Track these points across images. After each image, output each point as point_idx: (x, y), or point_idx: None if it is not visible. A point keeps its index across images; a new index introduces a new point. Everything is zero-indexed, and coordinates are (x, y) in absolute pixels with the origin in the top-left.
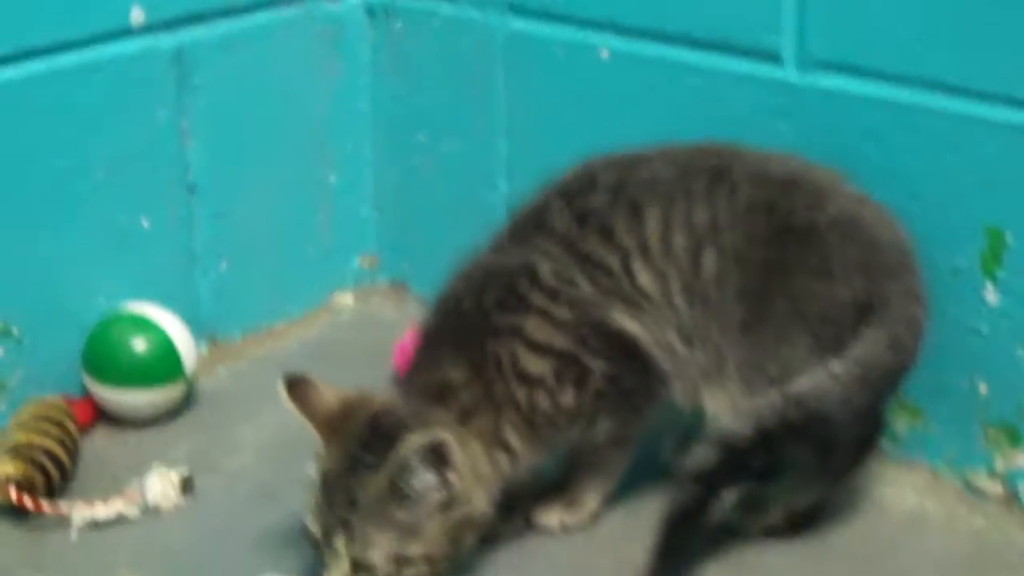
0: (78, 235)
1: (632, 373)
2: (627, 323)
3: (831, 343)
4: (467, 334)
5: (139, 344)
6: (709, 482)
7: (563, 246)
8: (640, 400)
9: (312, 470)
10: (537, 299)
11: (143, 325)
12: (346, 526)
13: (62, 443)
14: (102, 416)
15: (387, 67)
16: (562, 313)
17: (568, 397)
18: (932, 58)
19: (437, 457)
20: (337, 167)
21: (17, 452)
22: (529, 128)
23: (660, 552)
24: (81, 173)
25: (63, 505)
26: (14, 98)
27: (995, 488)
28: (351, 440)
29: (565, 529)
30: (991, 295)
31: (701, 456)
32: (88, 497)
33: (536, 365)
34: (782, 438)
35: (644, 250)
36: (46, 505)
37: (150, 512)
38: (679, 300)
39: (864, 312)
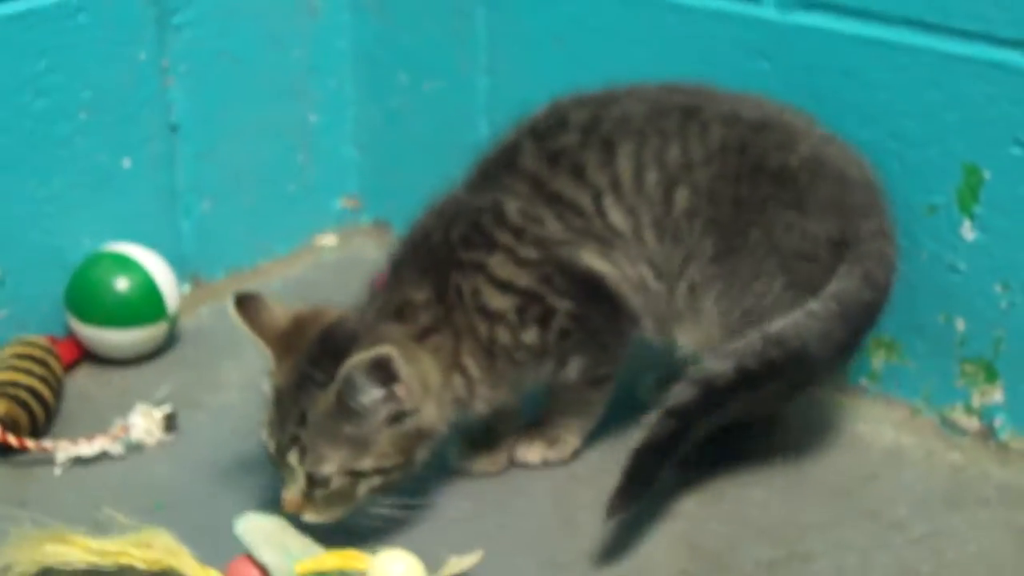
0: (60, 176)
1: (599, 313)
2: (596, 262)
3: (805, 279)
4: (432, 264)
5: (122, 283)
6: (685, 417)
7: (532, 185)
8: (609, 338)
9: (266, 386)
10: (502, 237)
11: (126, 264)
12: (298, 442)
13: (45, 382)
14: (85, 355)
15: (368, 6)
16: (527, 252)
17: (531, 335)
18: None
19: (383, 371)
20: (318, 107)
21: (1, 391)
22: (510, 67)
23: (628, 477)
24: (62, 114)
25: (47, 443)
26: None
27: (972, 423)
28: (302, 356)
29: (547, 465)
30: (968, 232)
31: (679, 393)
32: (72, 435)
33: (498, 301)
34: (762, 377)
35: (616, 187)
36: (30, 443)
37: (134, 449)
38: (650, 235)
39: (837, 250)
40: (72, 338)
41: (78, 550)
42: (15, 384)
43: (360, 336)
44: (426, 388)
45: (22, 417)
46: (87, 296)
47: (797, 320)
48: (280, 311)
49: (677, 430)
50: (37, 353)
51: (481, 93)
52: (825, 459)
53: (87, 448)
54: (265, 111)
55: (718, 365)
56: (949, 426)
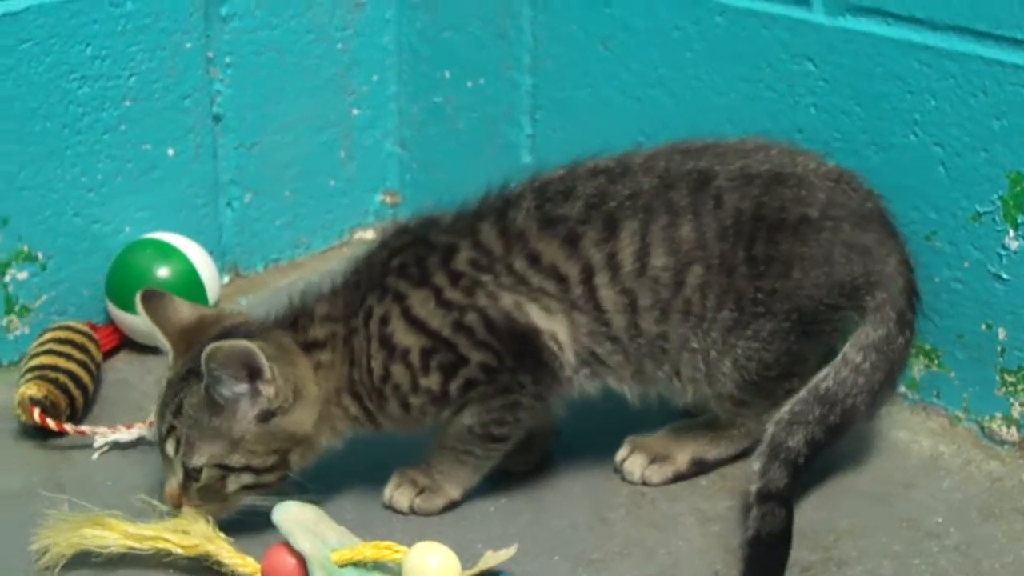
0: (103, 163)
1: (523, 368)
2: (540, 319)
3: (827, 327)
4: (358, 282)
5: (163, 272)
6: (787, 500)
7: (510, 241)
8: (523, 397)
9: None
10: (438, 278)
11: (168, 253)
12: (174, 432)
13: (85, 367)
14: (124, 342)
15: (413, 2)
16: (454, 296)
17: (432, 381)
18: (960, 2)
19: (247, 367)
20: (361, 102)
21: (41, 374)
22: (553, 67)
23: (756, 565)
24: (107, 101)
25: (85, 428)
26: (42, 26)
27: (1011, 433)
28: (194, 352)
29: (415, 514)
30: (1012, 241)
31: (775, 479)
32: (109, 421)
33: (404, 337)
34: (827, 443)
35: (613, 267)
36: (68, 427)
37: None
38: (648, 317)
39: (860, 292)
40: (112, 325)
41: (116, 534)
42: (55, 368)
43: (252, 337)
44: (299, 394)
45: (61, 401)
46: (128, 283)
47: (843, 376)
48: (187, 310)
49: (788, 513)
50: (77, 338)
51: (524, 92)
52: (863, 466)
53: (125, 434)
54: (308, 105)
55: (791, 440)
56: (988, 436)
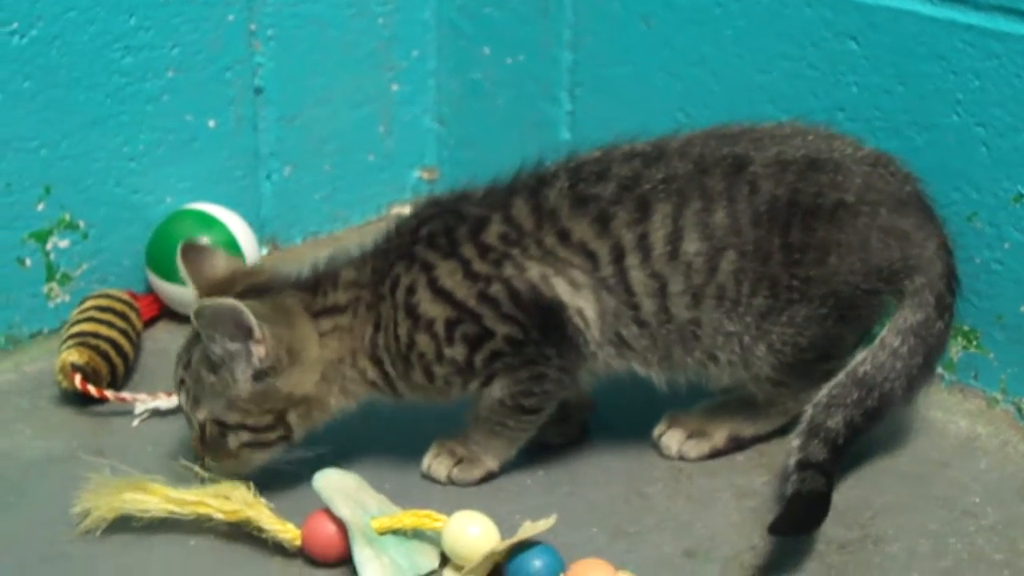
0: (146, 133)
1: (548, 343)
2: (567, 294)
3: (864, 312)
4: (387, 250)
5: (204, 242)
6: (829, 473)
7: (541, 218)
8: (549, 369)
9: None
10: (467, 249)
11: (208, 223)
12: (184, 386)
13: (126, 335)
14: (165, 312)
15: None
16: (481, 267)
17: (457, 351)
18: None
19: (239, 326)
20: (400, 77)
21: (83, 341)
22: (593, 44)
23: (791, 514)
24: (150, 72)
25: (125, 394)
26: None
27: None
28: None
29: (453, 483)
30: None
31: (815, 452)
32: (149, 390)
33: (430, 308)
34: (866, 427)
35: (644, 250)
36: (109, 393)
37: None
38: (679, 302)
39: (899, 276)
40: (152, 294)
41: (157, 499)
42: (96, 335)
43: (264, 295)
44: (294, 356)
45: (102, 368)
46: (168, 253)
47: (881, 360)
48: (223, 264)
49: (828, 481)
50: (118, 307)
51: (564, 69)
52: (900, 446)
53: (165, 402)
54: (348, 79)
55: (830, 422)
56: None
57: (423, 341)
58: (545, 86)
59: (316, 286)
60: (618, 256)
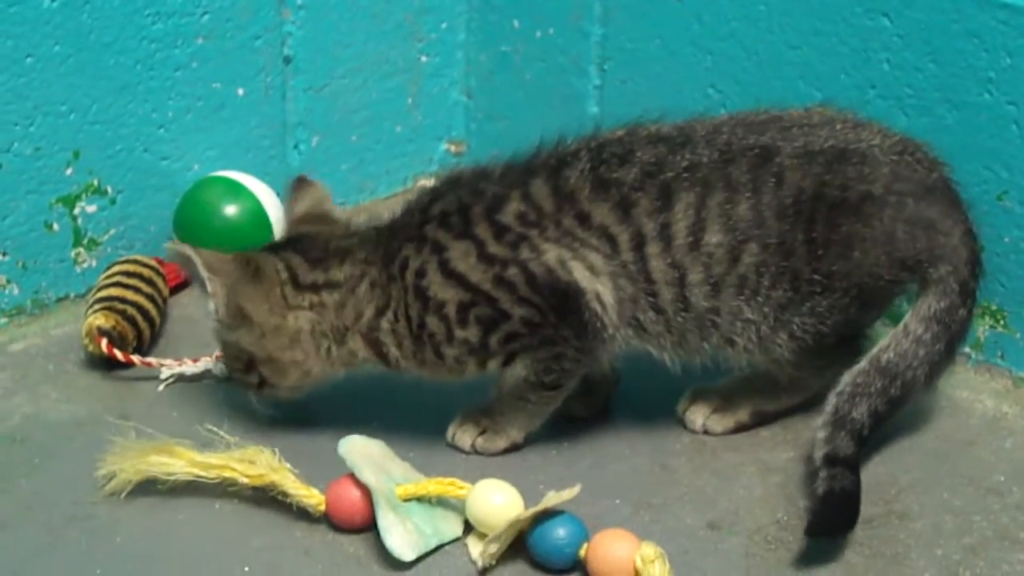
0: (174, 100)
1: (566, 325)
2: (585, 278)
3: (885, 299)
4: (398, 227)
5: (231, 209)
6: (855, 465)
7: (561, 200)
8: (567, 350)
9: None
10: (481, 229)
11: (236, 191)
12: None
13: (152, 300)
14: (190, 279)
15: None
16: (497, 250)
17: (470, 333)
18: None
19: (198, 275)
20: (429, 49)
21: (109, 305)
22: (624, 17)
23: (822, 515)
24: (180, 38)
25: (151, 359)
26: None
27: None
28: None
29: (477, 452)
30: None
31: (842, 446)
32: (175, 356)
33: (441, 291)
34: (889, 415)
35: (665, 239)
36: (135, 358)
37: None
38: (698, 292)
39: (923, 265)
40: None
41: (182, 462)
42: (123, 300)
43: (279, 251)
44: (245, 318)
45: (128, 332)
46: (196, 220)
47: (904, 348)
48: (309, 205)
49: (856, 479)
50: (145, 272)
51: (593, 42)
52: (925, 424)
53: (191, 367)
54: (377, 50)
55: (855, 412)
56: None
57: (433, 323)
58: (574, 60)
59: (321, 258)
60: (638, 244)
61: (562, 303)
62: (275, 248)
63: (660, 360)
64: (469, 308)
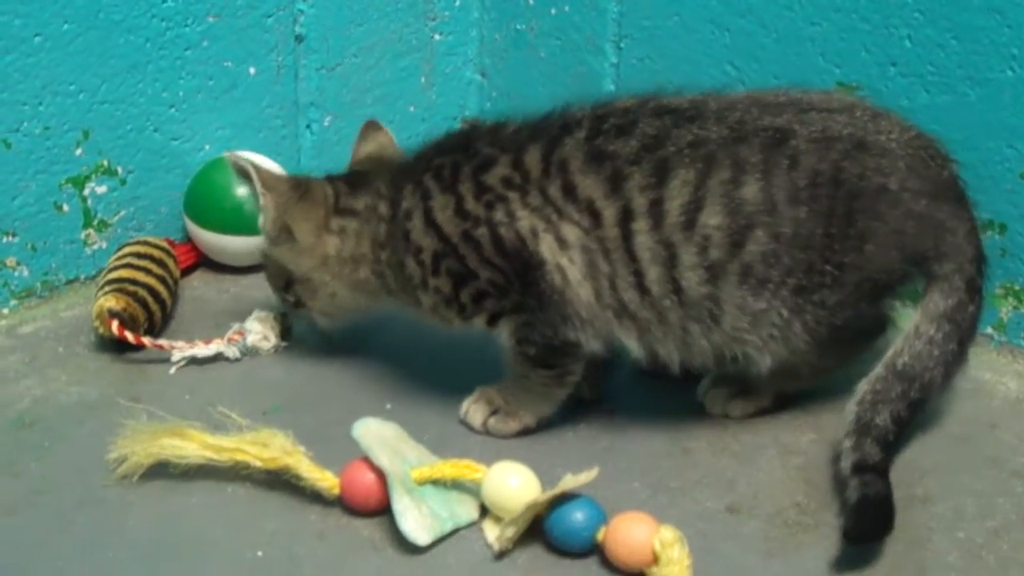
0: (185, 79)
1: (531, 296)
2: (548, 251)
3: (892, 290)
4: (408, 169)
5: (243, 190)
6: (884, 471)
7: (548, 167)
8: (533, 319)
9: None
10: (465, 186)
11: None
12: None
13: (164, 282)
14: (202, 260)
15: None
16: (472, 207)
17: (441, 283)
18: None
19: (254, 189)
20: (443, 27)
21: (120, 287)
22: None
23: (860, 521)
24: (191, 17)
25: (163, 342)
26: None
27: None
28: None
29: (487, 433)
30: None
31: (870, 453)
32: (186, 338)
33: (420, 236)
34: (911, 418)
35: (656, 216)
36: (146, 340)
37: (249, 353)
38: (691, 276)
39: (929, 261)
40: (189, 243)
41: (195, 445)
42: (134, 282)
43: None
44: (290, 235)
45: (139, 314)
46: (207, 202)
47: (918, 350)
48: (373, 146)
49: (887, 484)
50: (156, 253)
51: (610, 20)
52: (947, 406)
53: (203, 349)
54: (390, 28)
55: (878, 419)
56: None
57: (411, 266)
58: (590, 37)
59: (353, 185)
60: (625, 218)
61: (524, 271)
62: (331, 177)
63: (666, 359)
64: (441, 259)
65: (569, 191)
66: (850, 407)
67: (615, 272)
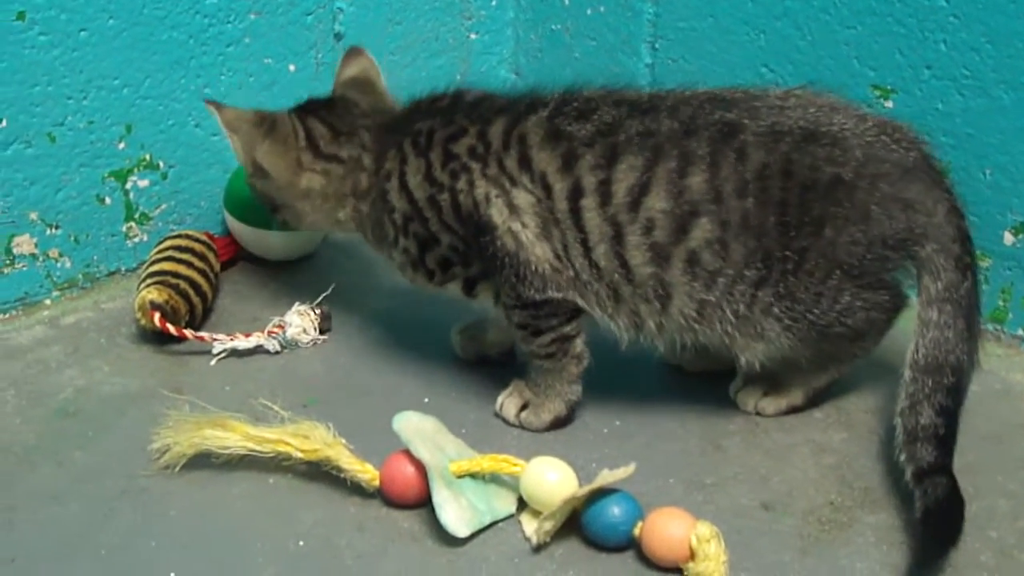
0: (227, 76)
1: (491, 263)
2: (498, 214)
3: (875, 278)
4: (394, 128)
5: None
6: (943, 467)
7: (507, 139)
8: (498, 283)
9: None
10: (434, 154)
11: None
12: None
13: (205, 275)
14: (241, 254)
15: None
16: (439, 174)
17: (409, 245)
18: None
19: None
20: (479, 26)
21: (162, 280)
22: None
23: (936, 540)
24: (233, 14)
25: (204, 334)
26: None
27: None
28: None
29: (521, 426)
30: None
31: (927, 454)
32: (227, 330)
33: (394, 197)
34: (957, 404)
35: (603, 195)
36: (188, 332)
37: (288, 346)
38: (638, 255)
39: (907, 243)
40: (229, 236)
41: (237, 436)
42: (176, 274)
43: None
44: (260, 169)
45: (181, 307)
46: (247, 197)
47: (932, 337)
48: (354, 72)
49: (949, 478)
50: (197, 247)
51: (645, 21)
52: (978, 406)
53: (243, 342)
54: (427, 27)
55: (922, 419)
56: None
57: (386, 224)
58: (625, 38)
59: (342, 132)
60: (575, 195)
61: (477, 234)
62: (306, 110)
63: (613, 330)
64: (409, 221)
65: (525, 163)
66: (895, 421)
67: (566, 240)
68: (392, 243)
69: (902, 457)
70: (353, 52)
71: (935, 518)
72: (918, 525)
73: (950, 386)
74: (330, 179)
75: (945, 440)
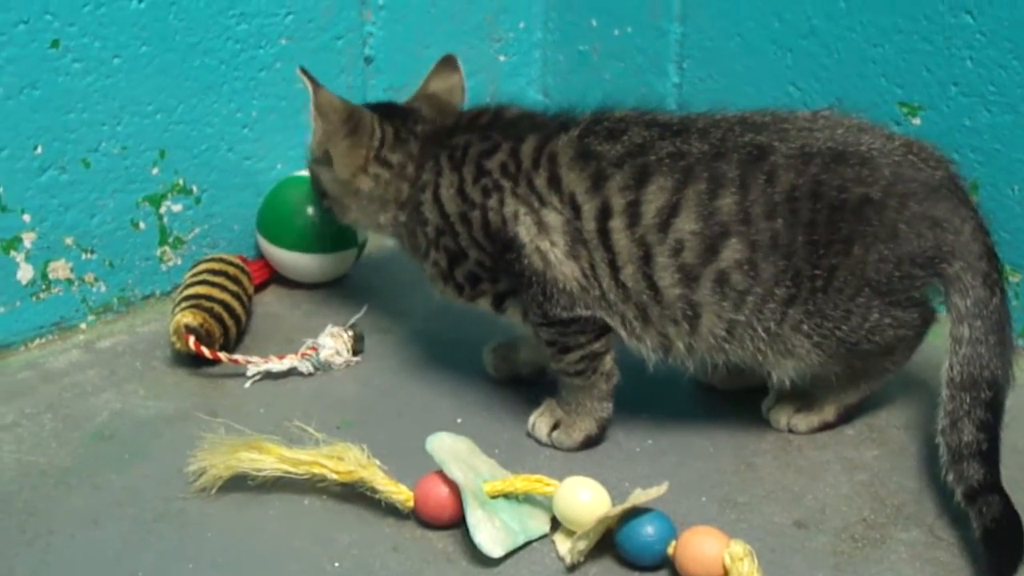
0: (258, 100)
1: (512, 273)
2: (527, 234)
3: (903, 297)
4: (438, 139)
5: (313, 209)
6: (993, 484)
7: (540, 158)
8: (526, 299)
9: None
10: (467, 169)
11: None
12: None
13: (239, 298)
14: (275, 277)
15: None
16: (471, 190)
17: (439, 257)
18: None
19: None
20: (507, 48)
21: (196, 303)
22: (703, 15)
23: (1001, 561)
24: (264, 39)
25: (238, 356)
26: None
27: None
28: None
29: (553, 445)
30: None
31: (974, 473)
32: (260, 353)
33: (428, 210)
34: (996, 416)
35: (631, 216)
36: (222, 355)
37: (322, 368)
38: (667, 276)
39: (934, 262)
40: (262, 259)
41: (272, 458)
42: (210, 298)
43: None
44: (329, 160)
45: (215, 330)
46: (280, 220)
47: (964, 354)
48: (446, 92)
49: (1001, 496)
50: (231, 270)
51: (672, 41)
52: (1013, 421)
53: (277, 364)
54: (455, 49)
55: (964, 437)
56: None
57: (420, 235)
58: (653, 59)
59: (398, 136)
60: (603, 215)
61: (504, 252)
62: (385, 114)
63: (640, 353)
64: (441, 235)
65: (554, 182)
66: (937, 440)
67: (593, 259)
68: (424, 254)
69: (950, 478)
70: (446, 63)
71: (996, 537)
72: (979, 546)
73: (988, 400)
74: (379, 183)
75: (989, 455)
